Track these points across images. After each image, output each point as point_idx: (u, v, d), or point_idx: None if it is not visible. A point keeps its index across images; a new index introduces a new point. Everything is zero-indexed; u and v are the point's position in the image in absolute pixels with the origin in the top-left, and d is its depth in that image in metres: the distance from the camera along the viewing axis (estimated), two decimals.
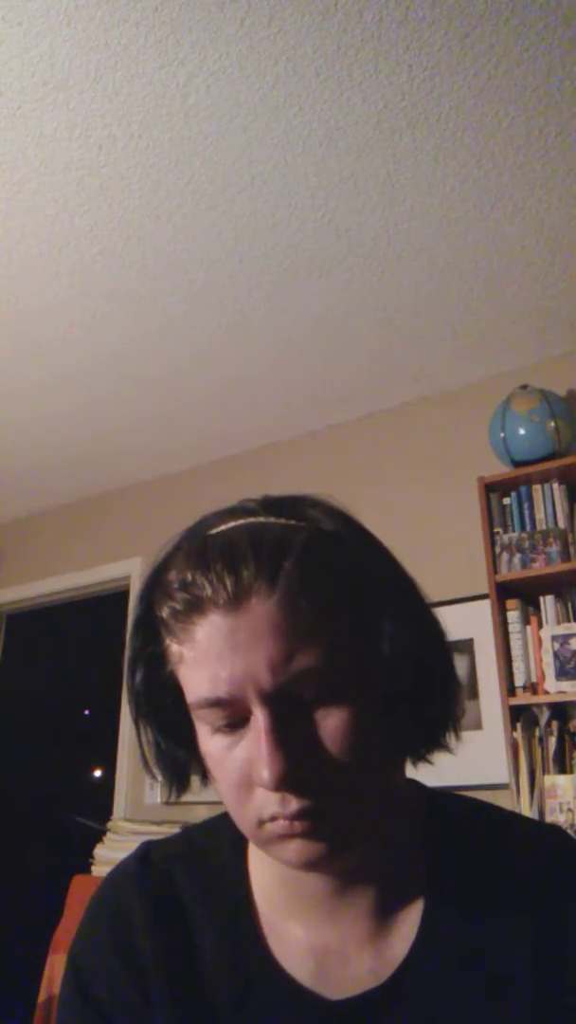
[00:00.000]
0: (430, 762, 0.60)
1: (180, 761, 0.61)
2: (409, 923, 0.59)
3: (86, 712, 4.96)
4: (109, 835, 2.62)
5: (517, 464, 2.50)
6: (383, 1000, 0.57)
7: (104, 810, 3.24)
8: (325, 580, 0.53)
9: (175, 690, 0.57)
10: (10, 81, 1.78)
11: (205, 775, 0.60)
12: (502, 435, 2.52)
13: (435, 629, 0.59)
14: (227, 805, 0.56)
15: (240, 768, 0.53)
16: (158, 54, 1.72)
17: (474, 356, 2.80)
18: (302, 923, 0.61)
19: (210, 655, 0.52)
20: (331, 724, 0.52)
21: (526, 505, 2.46)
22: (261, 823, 0.53)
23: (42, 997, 2.31)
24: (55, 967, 2.34)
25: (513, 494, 2.50)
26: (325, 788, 0.52)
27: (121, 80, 1.78)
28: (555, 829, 0.65)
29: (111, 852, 2.54)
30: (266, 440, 3.38)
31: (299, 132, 1.91)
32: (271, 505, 0.58)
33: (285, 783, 0.50)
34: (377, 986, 0.57)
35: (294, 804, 0.51)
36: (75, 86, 1.79)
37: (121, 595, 3.62)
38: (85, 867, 2.57)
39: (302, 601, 0.51)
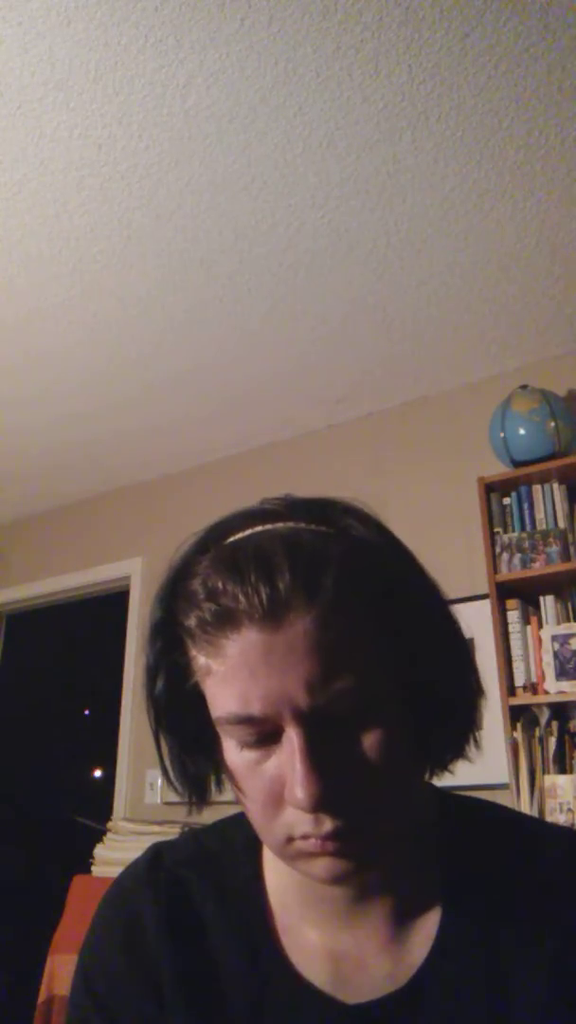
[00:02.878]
0: (451, 771, 0.59)
1: (201, 773, 0.60)
2: (426, 929, 0.59)
3: (86, 712, 4.97)
4: (109, 835, 2.62)
5: (517, 464, 2.50)
6: (401, 1004, 0.56)
7: (104, 810, 3.24)
8: (363, 595, 0.51)
9: (198, 700, 0.55)
10: (10, 81, 1.78)
11: (220, 783, 0.59)
12: (502, 435, 2.52)
13: (462, 640, 0.58)
14: (253, 820, 0.55)
15: (269, 784, 0.52)
16: (158, 54, 1.72)
17: (474, 356, 2.80)
18: (318, 928, 0.60)
19: (242, 671, 0.50)
20: (366, 743, 0.51)
21: (526, 505, 2.46)
22: (290, 840, 0.52)
23: (42, 997, 2.31)
24: (55, 967, 2.34)
25: (513, 494, 2.50)
26: (358, 807, 0.51)
27: (121, 80, 1.78)
28: (571, 833, 0.64)
29: (111, 852, 2.54)
30: (266, 440, 3.39)
31: (299, 132, 1.91)
32: (299, 508, 0.55)
33: (321, 804, 0.49)
34: (395, 991, 0.57)
35: (328, 824, 0.50)
36: (75, 86, 1.79)
37: (121, 595, 3.62)
38: (85, 867, 2.57)
39: (341, 617, 0.50)
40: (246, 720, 0.50)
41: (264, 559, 0.50)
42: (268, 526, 0.54)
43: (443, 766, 0.59)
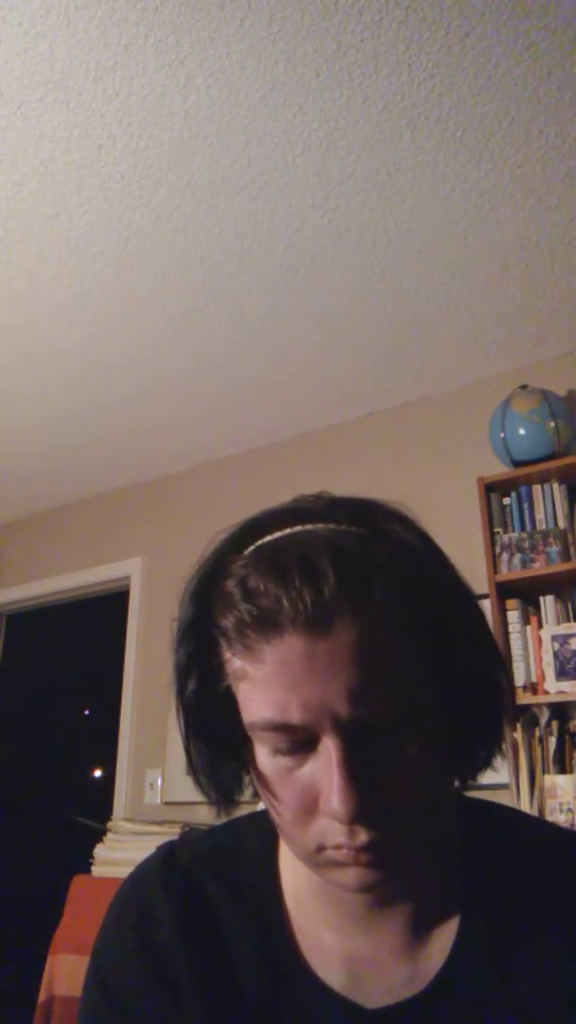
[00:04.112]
0: (477, 781, 0.58)
1: (232, 777, 0.58)
2: (446, 934, 0.58)
3: (86, 712, 4.97)
4: (109, 835, 2.61)
5: (517, 464, 2.50)
6: (420, 1009, 0.56)
7: (104, 810, 3.24)
8: (408, 604, 0.50)
9: (230, 703, 0.53)
10: (10, 81, 1.78)
11: (241, 787, 0.59)
12: (502, 435, 2.52)
13: (497, 650, 0.57)
14: (281, 826, 0.54)
15: (303, 792, 0.50)
16: (158, 54, 1.72)
17: (474, 356, 2.80)
18: (336, 931, 0.59)
19: (282, 678, 0.48)
20: (405, 755, 0.50)
21: (526, 505, 2.46)
22: (321, 849, 0.51)
23: (42, 997, 2.31)
24: (55, 967, 2.34)
25: (513, 494, 2.50)
26: (394, 819, 0.50)
27: (121, 80, 1.78)
28: None
29: (111, 852, 2.54)
30: (266, 440, 3.39)
31: (299, 132, 1.91)
32: (339, 509, 0.53)
33: (357, 816, 0.48)
34: (414, 995, 0.56)
35: (363, 836, 0.49)
36: (75, 86, 1.79)
37: (121, 595, 3.62)
38: (85, 867, 2.57)
39: (386, 627, 0.48)
40: (282, 727, 0.49)
41: (307, 562, 0.48)
42: (308, 526, 0.52)
43: (472, 776, 0.58)
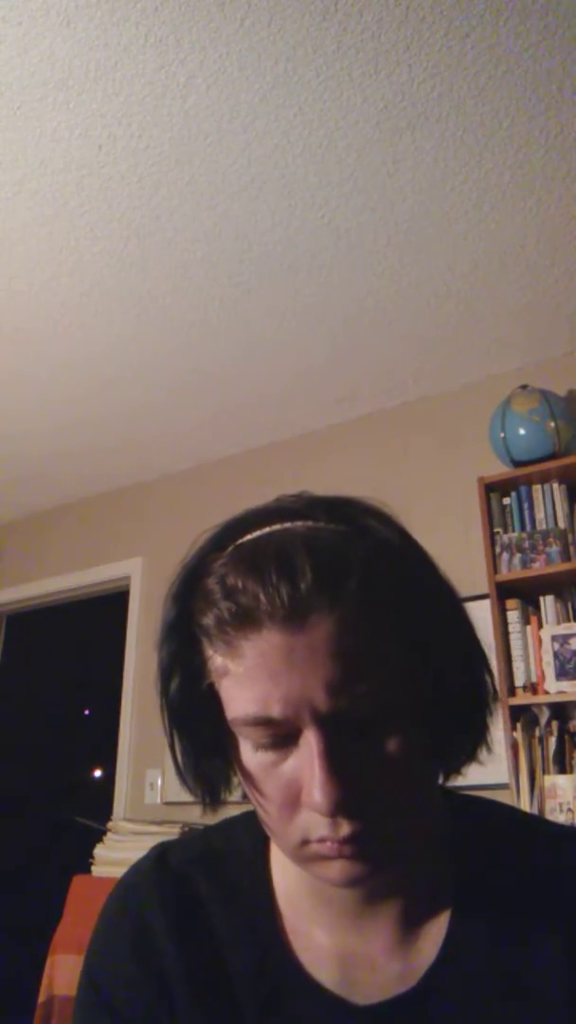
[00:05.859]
0: (463, 774, 0.59)
1: (216, 775, 0.59)
2: (436, 930, 0.58)
3: (86, 712, 4.97)
4: (109, 835, 2.61)
5: (517, 464, 2.50)
6: (412, 1005, 0.56)
7: (104, 810, 3.24)
8: (385, 597, 0.51)
9: (213, 700, 0.54)
10: (10, 81, 1.78)
11: (229, 784, 0.59)
12: (502, 435, 2.52)
13: (478, 645, 0.57)
14: (266, 822, 0.54)
15: (286, 786, 0.51)
16: (158, 54, 1.72)
17: (474, 356, 2.80)
18: (327, 929, 0.60)
19: (262, 673, 0.49)
20: (386, 747, 0.50)
21: (526, 505, 2.46)
22: (306, 843, 0.52)
23: (42, 997, 2.31)
24: (55, 967, 2.34)
25: (513, 494, 2.50)
26: (376, 811, 0.50)
27: (121, 80, 1.78)
28: None
29: (111, 852, 2.54)
30: (266, 440, 3.39)
31: (299, 132, 1.91)
32: (318, 507, 0.54)
33: (339, 808, 0.49)
34: (405, 991, 0.57)
35: (346, 828, 0.50)
36: (75, 86, 1.79)
37: (121, 595, 3.62)
38: (85, 867, 2.57)
39: (363, 620, 0.49)
40: (264, 722, 0.50)
41: (284, 558, 0.49)
42: (287, 524, 0.53)
43: (456, 769, 0.58)
